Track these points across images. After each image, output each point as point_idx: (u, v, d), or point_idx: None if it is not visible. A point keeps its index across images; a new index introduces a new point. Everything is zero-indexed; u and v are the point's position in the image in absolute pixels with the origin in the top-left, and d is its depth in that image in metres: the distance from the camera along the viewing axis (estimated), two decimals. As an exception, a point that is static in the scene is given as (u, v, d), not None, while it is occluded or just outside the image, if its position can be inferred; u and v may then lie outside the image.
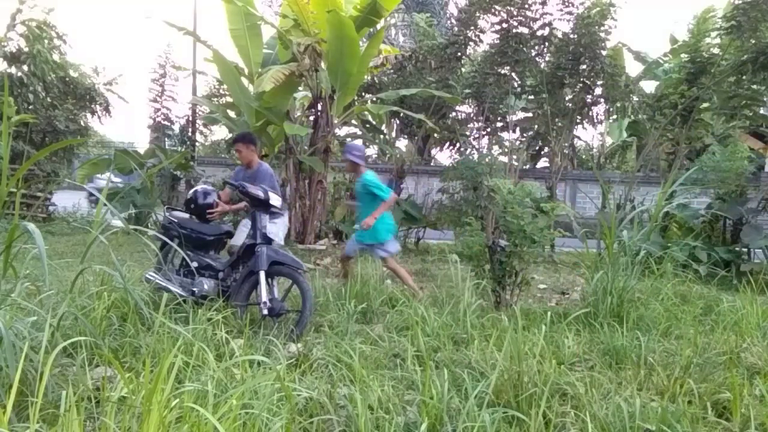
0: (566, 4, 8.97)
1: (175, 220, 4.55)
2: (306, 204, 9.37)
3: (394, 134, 11.94)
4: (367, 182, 5.16)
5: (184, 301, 3.98)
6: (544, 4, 8.98)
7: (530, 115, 11.27)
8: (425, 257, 8.37)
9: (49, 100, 11.57)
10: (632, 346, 3.47)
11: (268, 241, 4.17)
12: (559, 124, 9.95)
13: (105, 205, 3.05)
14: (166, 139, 13.25)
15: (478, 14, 9.44)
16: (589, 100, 9.71)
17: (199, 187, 5.00)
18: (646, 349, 3.41)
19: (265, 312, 3.88)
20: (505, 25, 9.19)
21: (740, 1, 7.77)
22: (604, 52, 9.10)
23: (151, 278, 4.24)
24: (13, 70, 11.10)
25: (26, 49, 11.00)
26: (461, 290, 4.39)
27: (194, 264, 4.30)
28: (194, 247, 4.46)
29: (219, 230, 4.67)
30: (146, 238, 3.46)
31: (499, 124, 10.72)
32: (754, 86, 8.35)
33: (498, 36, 9.34)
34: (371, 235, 5.11)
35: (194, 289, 4.21)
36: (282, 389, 2.38)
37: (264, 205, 4.25)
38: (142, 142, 21.57)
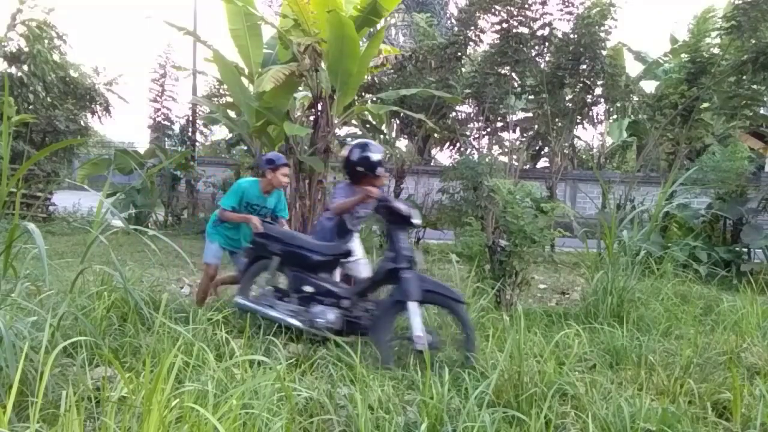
0: (566, 4, 8.96)
1: (278, 235, 3.86)
2: (306, 204, 9.36)
3: (394, 134, 11.93)
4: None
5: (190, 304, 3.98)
6: (544, 4, 8.98)
7: (530, 115, 11.27)
8: (425, 257, 8.38)
9: (49, 100, 11.56)
10: (632, 346, 3.47)
11: (412, 264, 3.43)
12: (559, 124, 9.95)
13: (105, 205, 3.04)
14: (166, 139, 13.24)
15: (478, 14, 9.43)
16: (589, 100, 9.70)
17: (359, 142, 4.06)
18: (647, 349, 3.42)
19: (421, 347, 3.11)
20: (505, 25, 9.19)
21: (740, 1, 7.76)
22: (604, 52, 9.10)
23: (246, 304, 3.67)
24: (13, 70, 11.10)
25: (26, 49, 11.00)
26: (461, 290, 4.39)
27: (308, 288, 3.64)
28: (302, 268, 3.74)
29: (338, 249, 3.85)
30: (148, 241, 3.46)
31: (499, 124, 10.72)
32: (754, 86, 8.35)
33: (498, 36, 9.33)
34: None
35: (317, 318, 3.52)
36: (282, 389, 2.38)
37: (406, 223, 3.58)
38: (142, 142, 21.56)
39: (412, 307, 3.24)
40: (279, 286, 3.94)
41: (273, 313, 3.62)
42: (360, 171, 3.75)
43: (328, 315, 3.52)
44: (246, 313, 3.62)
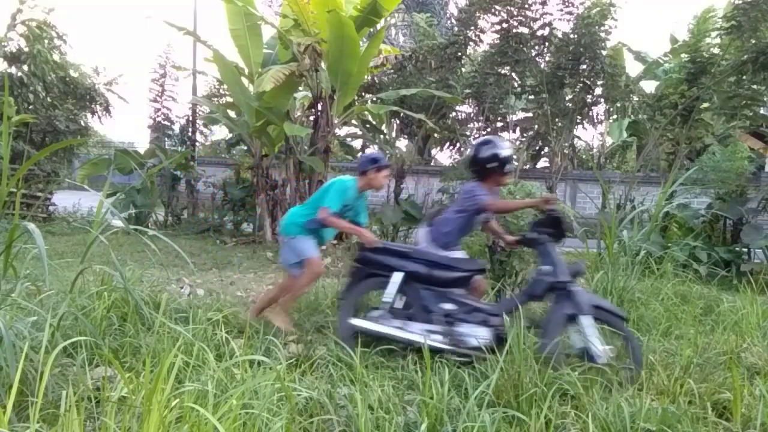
0: (566, 4, 8.96)
1: (405, 250, 3.63)
2: (306, 204, 9.37)
3: (394, 134, 11.93)
4: None
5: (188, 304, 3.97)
6: (544, 4, 8.98)
7: (530, 115, 11.27)
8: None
9: (49, 100, 11.56)
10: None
11: (574, 277, 3.33)
12: (559, 124, 9.95)
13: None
14: (166, 139, 13.22)
15: (478, 14, 9.44)
16: (589, 100, 9.70)
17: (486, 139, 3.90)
18: (647, 349, 3.42)
19: (603, 361, 3.03)
20: (505, 25, 9.19)
21: (740, 1, 7.77)
22: (604, 52, 9.10)
23: (367, 327, 3.37)
24: (13, 70, 11.09)
25: (26, 49, 10.99)
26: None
27: (449, 306, 3.40)
28: (435, 285, 3.49)
29: (475, 264, 3.67)
30: (148, 241, 3.46)
31: (499, 124, 10.72)
32: (755, 86, 8.35)
33: (498, 36, 9.33)
34: None
35: (467, 338, 3.26)
36: (282, 389, 2.38)
37: (562, 235, 3.45)
38: (142, 142, 21.57)
39: (586, 321, 3.16)
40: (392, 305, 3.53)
41: (404, 334, 3.33)
42: (491, 168, 3.65)
43: (480, 333, 3.28)
44: (355, 336, 3.30)
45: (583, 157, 18.90)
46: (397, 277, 3.44)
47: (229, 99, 11.47)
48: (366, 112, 10.05)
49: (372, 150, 13.53)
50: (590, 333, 3.13)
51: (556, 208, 3.52)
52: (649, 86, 11.46)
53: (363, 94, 10.96)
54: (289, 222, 3.96)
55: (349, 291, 3.64)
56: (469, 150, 3.58)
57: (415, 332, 3.34)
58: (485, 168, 3.67)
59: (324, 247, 8.77)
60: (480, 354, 3.08)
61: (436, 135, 11.84)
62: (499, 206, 3.82)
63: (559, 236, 3.43)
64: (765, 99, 8.77)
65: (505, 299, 3.60)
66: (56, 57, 11.73)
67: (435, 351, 3.10)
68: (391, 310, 3.48)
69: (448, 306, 3.39)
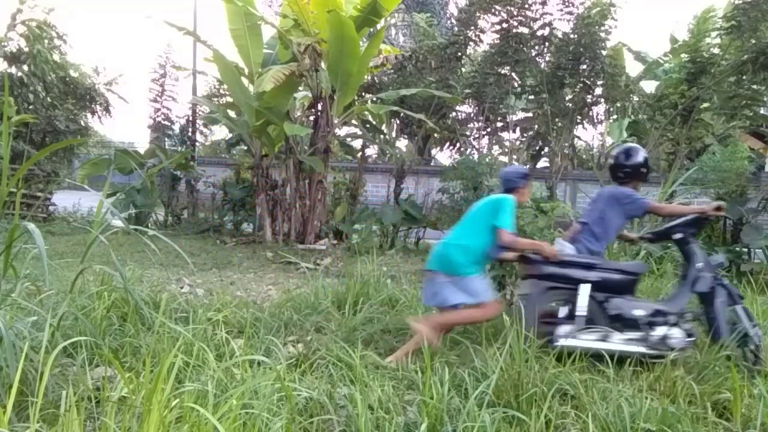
0: (566, 4, 8.97)
1: (588, 261, 3.60)
2: (306, 204, 9.38)
3: (394, 134, 11.94)
4: None
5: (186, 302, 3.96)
6: (544, 4, 8.98)
7: (530, 115, 11.27)
8: (425, 257, 8.37)
9: (49, 100, 11.56)
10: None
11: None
12: (559, 124, 9.95)
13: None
14: (166, 139, 13.23)
15: (478, 14, 9.45)
16: (589, 100, 9.71)
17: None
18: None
19: (758, 341, 3.40)
20: (505, 25, 9.19)
21: (740, 1, 7.78)
22: (604, 52, 9.11)
23: (574, 344, 3.25)
24: (13, 70, 11.10)
25: (26, 49, 11.00)
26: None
27: (640, 312, 3.41)
28: (614, 292, 3.52)
29: (642, 268, 3.82)
30: (148, 240, 3.46)
31: (499, 124, 10.73)
32: (755, 86, 8.36)
33: (498, 36, 9.34)
34: None
35: (670, 340, 3.32)
36: (282, 389, 2.38)
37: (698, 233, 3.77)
38: (142, 142, 21.56)
39: (740, 309, 3.50)
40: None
41: (611, 345, 3.28)
42: (640, 172, 3.84)
43: (676, 333, 3.35)
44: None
45: (583, 157, 18.90)
46: (585, 289, 3.43)
47: (229, 99, 11.47)
48: (366, 112, 10.05)
49: (374, 149, 13.53)
50: (744, 319, 3.44)
51: (724, 213, 3.91)
52: (649, 86, 11.46)
53: (363, 94, 10.96)
54: (455, 260, 3.48)
55: (529, 309, 3.40)
56: (614, 155, 3.91)
57: (619, 342, 3.34)
58: (638, 172, 3.83)
59: (324, 247, 8.78)
60: (682, 354, 3.25)
61: (436, 135, 11.85)
62: (668, 210, 3.87)
63: (697, 234, 3.77)
64: (765, 99, 8.77)
65: (675, 298, 3.63)
66: (56, 57, 11.74)
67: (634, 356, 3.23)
68: (580, 322, 3.41)
69: (638, 312, 3.42)
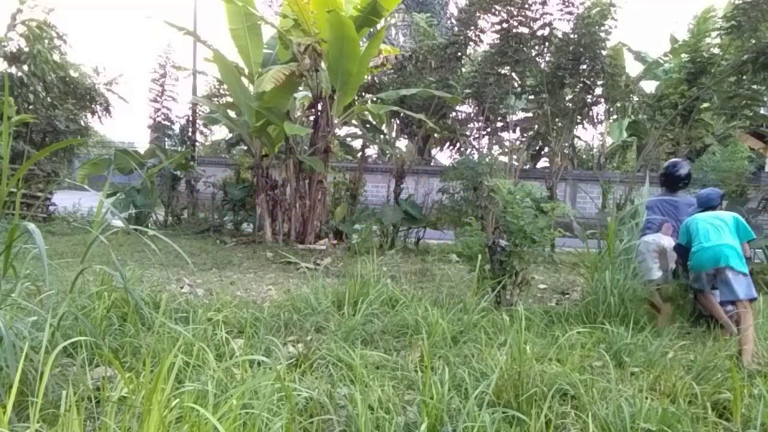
0: (566, 4, 8.97)
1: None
2: (306, 204, 9.38)
3: (394, 134, 11.93)
4: None
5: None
6: (544, 4, 8.98)
7: (530, 115, 11.27)
8: (425, 257, 8.37)
9: (49, 100, 11.56)
10: (633, 346, 3.47)
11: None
12: (559, 124, 9.95)
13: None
14: (166, 139, 13.23)
15: (478, 14, 9.44)
16: (589, 100, 9.71)
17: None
18: (647, 349, 3.42)
19: None
20: (505, 25, 9.19)
21: (740, 1, 7.77)
22: (604, 52, 9.10)
23: None
24: (13, 70, 11.10)
25: (26, 49, 11.00)
26: (462, 290, 4.39)
27: None
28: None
29: None
30: (148, 241, 3.46)
31: (499, 124, 10.71)
32: (755, 86, 8.35)
33: (498, 36, 9.33)
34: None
35: None
36: (282, 389, 2.38)
37: None
38: (142, 142, 21.59)
39: None
40: None
41: None
42: (687, 183, 4.94)
43: None
44: None
45: (583, 157, 18.92)
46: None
47: (229, 99, 11.47)
48: (366, 112, 10.05)
49: (374, 149, 13.53)
50: None
51: None
52: (649, 86, 11.51)
53: (363, 94, 10.96)
54: (741, 256, 4.19)
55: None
56: (670, 167, 4.96)
57: None
58: (686, 183, 4.90)
59: (324, 247, 8.78)
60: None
61: (436, 135, 11.85)
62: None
63: None
64: (765, 99, 8.77)
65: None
66: (56, 57, 11.74)
67: None
68: None
69: None
